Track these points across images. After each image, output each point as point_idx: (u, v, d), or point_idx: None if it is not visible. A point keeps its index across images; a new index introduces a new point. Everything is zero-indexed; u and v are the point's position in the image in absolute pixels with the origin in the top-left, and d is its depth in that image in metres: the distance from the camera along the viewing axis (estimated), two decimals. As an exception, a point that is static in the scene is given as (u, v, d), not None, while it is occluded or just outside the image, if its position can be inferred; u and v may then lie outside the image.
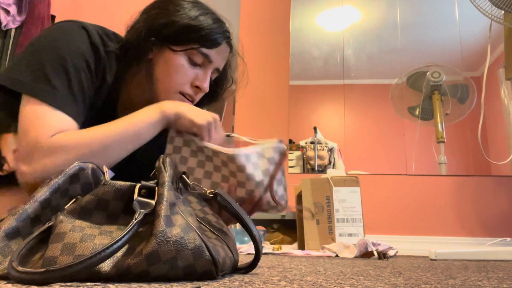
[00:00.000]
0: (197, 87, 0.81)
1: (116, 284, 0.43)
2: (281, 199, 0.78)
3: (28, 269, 0.42)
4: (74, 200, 0.53)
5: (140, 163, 0.93)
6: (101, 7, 2.99)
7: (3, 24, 1.75)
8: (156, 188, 0.53)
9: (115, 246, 0.44)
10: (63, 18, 2.21)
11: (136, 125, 0.72)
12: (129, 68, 0.82)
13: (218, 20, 0.83)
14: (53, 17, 2.46)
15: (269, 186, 0.75)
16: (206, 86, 0.82)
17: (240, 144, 0.79)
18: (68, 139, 0.67)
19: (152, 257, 0.46)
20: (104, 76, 0.79)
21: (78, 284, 0.43)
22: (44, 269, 0.41)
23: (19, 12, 1.88)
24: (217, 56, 0.83)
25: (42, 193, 0.52)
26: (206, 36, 0.79)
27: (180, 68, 0.79)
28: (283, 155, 0.77)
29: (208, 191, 0.62)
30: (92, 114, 0.79)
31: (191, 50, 0.79)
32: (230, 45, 0.86)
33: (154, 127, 0.73)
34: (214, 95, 0.94)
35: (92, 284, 0.43)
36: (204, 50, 0.80)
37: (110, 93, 0.81)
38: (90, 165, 0.56)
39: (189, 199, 0.61)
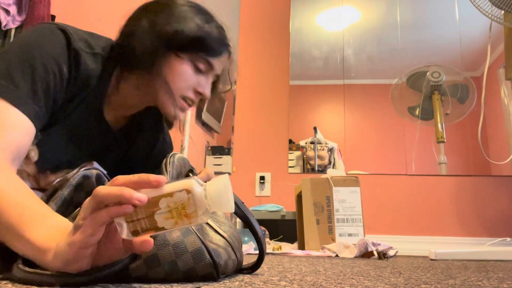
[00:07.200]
0: (199, 93, 0.85)
1: (116, 285, 0.43)
2: None
3: (38, 270, 0.40)
4: (79, 209, 0.51)
5: (132, 168, 0.93)
6: (101, 7, 2.99)
7: (3, 24, 1.75)
8: None
9: (125, 261, 0.43)
10: (63, 18, 2.20)
11: (14, 229, 0.47)
12: (123, 71, 0.82)
13: (219, 28, 0.86)
14: (53, 17, 2.45)
15: None
16: (208, 92, 0.86)
17: None
18: None
19: (151, 260, 0.45)
20: (86, 79, 0.78)
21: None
22: (55, 272, 0.40)
23: (19, 12, 1.88)
24: (219, 63, 0.86)
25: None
26: (211, 46, 0.83)
27: (184, 74, 0.82)
28: None
29: None
30: (75, 116, 0.79)
31: (197, 57, 0.82)
32: (229, 52, 0.89)
33: (21, 249, 0.46)
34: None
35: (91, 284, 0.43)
36: (209, 58, 0.84)
37: (95, 95, 0.81)
38: (94, 172, 0.55)
39: None
